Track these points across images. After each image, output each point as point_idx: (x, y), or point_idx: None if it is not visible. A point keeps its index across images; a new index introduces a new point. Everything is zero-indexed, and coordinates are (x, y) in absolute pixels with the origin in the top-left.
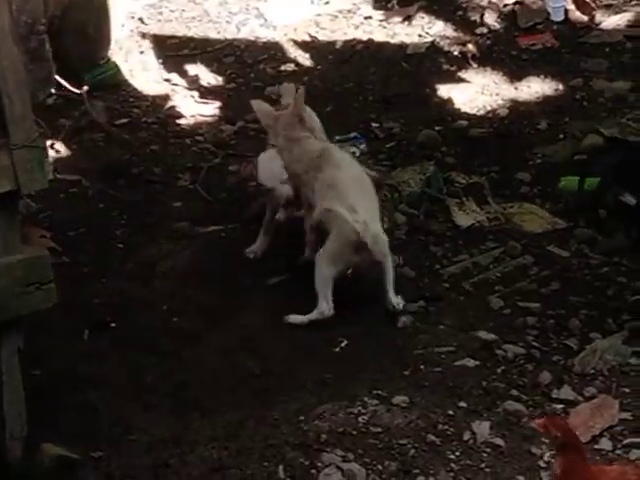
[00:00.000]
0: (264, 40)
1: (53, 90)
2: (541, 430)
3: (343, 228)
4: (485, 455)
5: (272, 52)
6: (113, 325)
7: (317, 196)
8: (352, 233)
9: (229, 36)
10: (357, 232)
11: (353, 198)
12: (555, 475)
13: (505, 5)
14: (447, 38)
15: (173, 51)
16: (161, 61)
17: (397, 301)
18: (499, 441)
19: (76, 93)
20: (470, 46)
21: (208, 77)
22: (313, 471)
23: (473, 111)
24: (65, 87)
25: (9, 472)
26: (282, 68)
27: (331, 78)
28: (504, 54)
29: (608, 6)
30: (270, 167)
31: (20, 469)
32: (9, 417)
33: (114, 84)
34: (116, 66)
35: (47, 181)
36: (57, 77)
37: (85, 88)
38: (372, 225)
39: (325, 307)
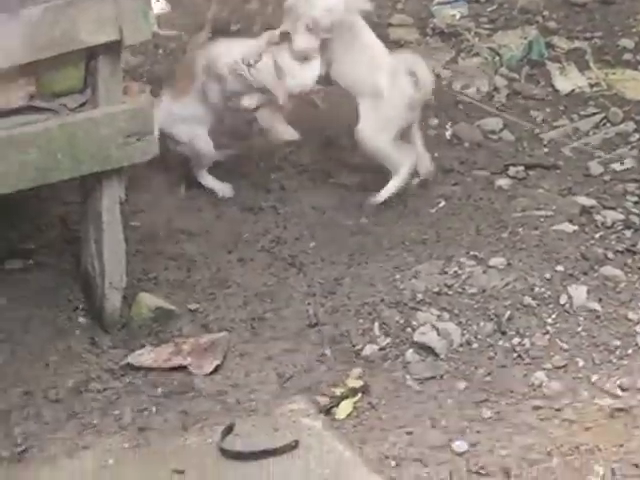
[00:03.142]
0: None
1: None
2: None
3: None
4: (581, 319)
5: None
6: None
7: None
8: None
9: None
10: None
11: None
12: None
13: None
14: None
15: None
16: None
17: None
18: (596, 305)
19: None
20: None
21: None
22: (408, 329)
23: None
24: None
25: (108, 320)
26: None
27: None
28: None
29: None
30: None
31: (118, 318)
32: (109, 266)
33: None
34: None
35: (150, 33)
36: None
37: None
38: None
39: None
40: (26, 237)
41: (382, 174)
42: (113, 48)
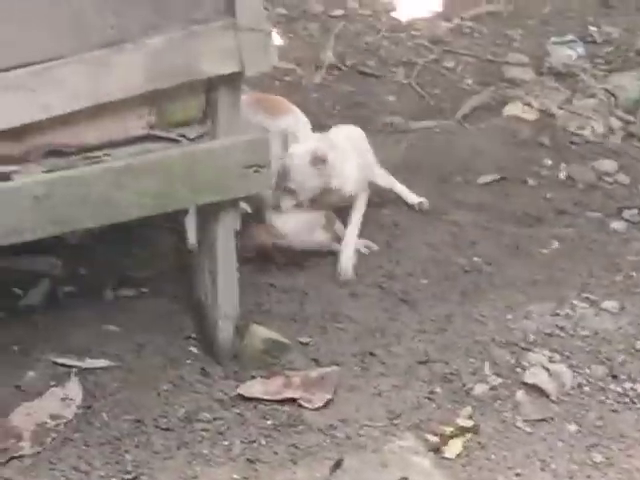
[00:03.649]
0: None
1: None
2: None
3: None
4: None
5: None
6: None
7: None
8: None
9: None
10: None
11: None
12: None
13: None
14: None
15: None
16: None
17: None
18: None
19: None
20: None
21: None
22: (519, 369)
23: None
24: None
25: (220, 350)
26: None
27: None
28: None
29: None
30: None
31: (230, 349)
32: (222, 297)
33: None
34: None
35: (271, 65)
36: None
37: None
38: None
39: None
40: (140, 265)
41: (495, 211)
42: (233, 79)
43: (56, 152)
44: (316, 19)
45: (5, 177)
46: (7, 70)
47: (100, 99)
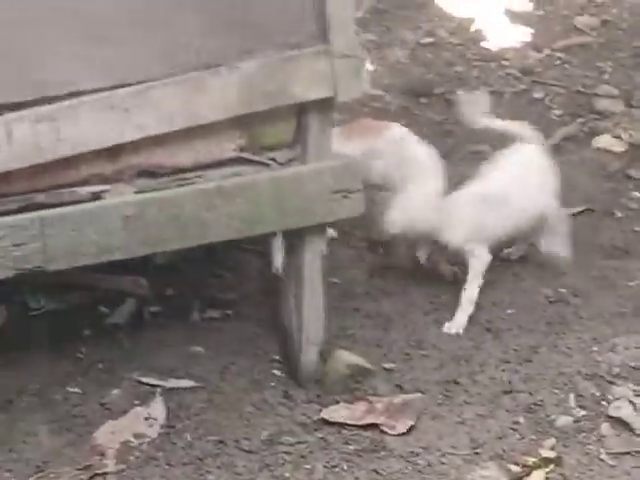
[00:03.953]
0: None
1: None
2: None
3: None
4: None
5: None
6: None
7: None
8: None
9: None
10: None
11: None
12: None
13: None
14: None
15: None
16: None
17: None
18: None
19: None
20: None
21: (517, 2)
22: (604, 402)
23: None
24: None
25: (303, 374)
26: None
27: None
28: None
29: None
30: None
31: (313, 373)
32: (308, 321)
33: (421, 2)
34: None
35: (362, 91)
36: None
37: None
38: None
39: None
40: (226, 287)
41: (583, 243)
42: (325, 104)
43: (148, 172)
44: (405, 46)
45: (97, 196)
46: (103, 90)
47: (193, 121)
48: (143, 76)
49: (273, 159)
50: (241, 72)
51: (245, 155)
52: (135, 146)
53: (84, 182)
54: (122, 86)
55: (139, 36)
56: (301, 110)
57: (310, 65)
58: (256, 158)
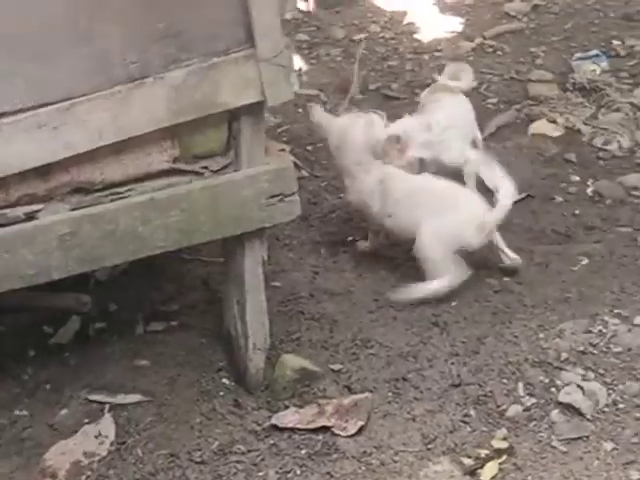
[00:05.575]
0: None
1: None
2: None
3: None
4: None
5: None
6: (350, 239)
7: None
8: None
9: None
10: None
11: None
12: None
13: None
14: None
15: None
16: None
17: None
18: None
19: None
20: None
21: None
22: (553, 389)
23: None
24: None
25: (251, 381)
26: None
27: None
28: None
29: None
30: None
31: (261, 379)
32: (252, 328)
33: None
34: None
35: (292, 93)
36: None
37: None
38: None
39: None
40: (169, 299)
41: (523, 230)
42: (255, 109)
43: (81, 189)
44: (338, 44)
45: (30, 216)
46: (30, 109)
47: (123, 135)
48: (70, 93)
49: (206, 167)
50: (167, 82)
51: (178, 165)
52: (66, 164)
53: (16, 203)
54: (49, 104)
55: (61, 52)
56: (232, 116)
57: (237, 71)
58: (189, 168)
